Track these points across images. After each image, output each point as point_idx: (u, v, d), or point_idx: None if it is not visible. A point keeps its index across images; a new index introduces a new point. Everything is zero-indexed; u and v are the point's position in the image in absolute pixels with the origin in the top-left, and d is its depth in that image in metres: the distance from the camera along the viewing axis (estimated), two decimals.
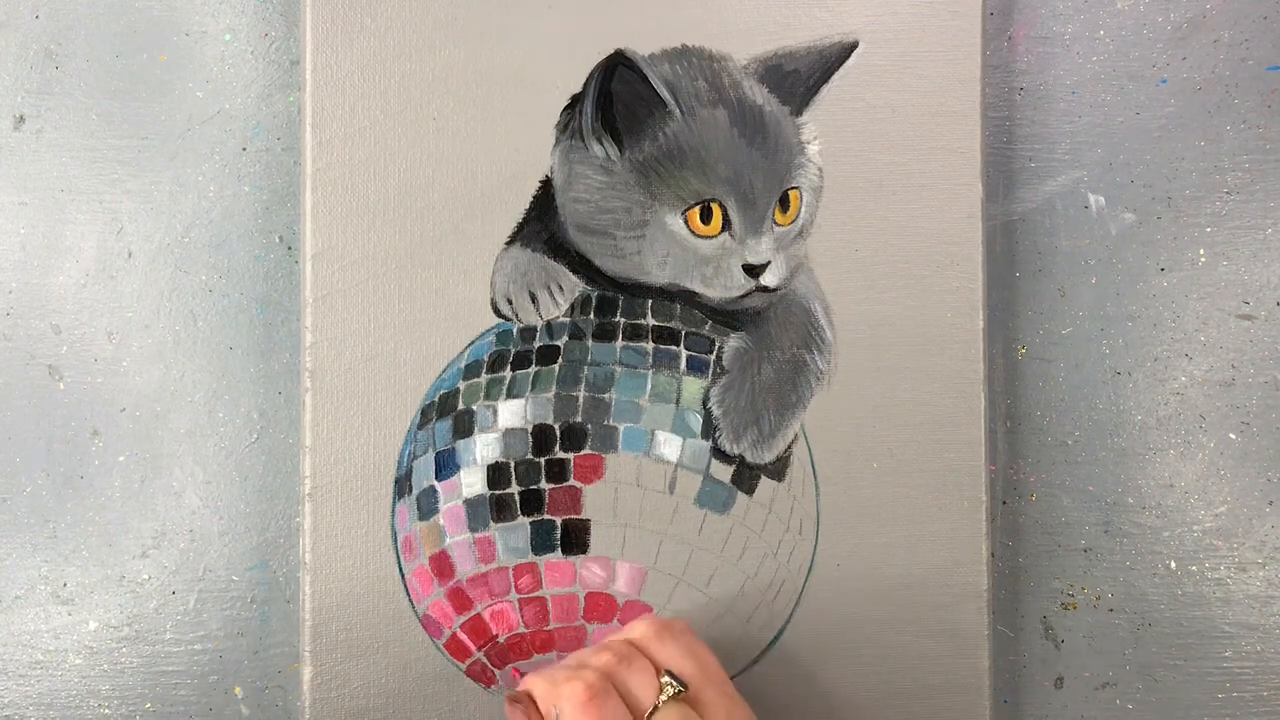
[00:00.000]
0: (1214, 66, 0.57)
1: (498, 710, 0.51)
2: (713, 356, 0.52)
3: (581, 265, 0.52)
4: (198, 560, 0.54)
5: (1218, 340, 0.57)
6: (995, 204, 0.56)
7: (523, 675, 0.49)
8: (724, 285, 0.52)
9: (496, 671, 0.51)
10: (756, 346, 0.53)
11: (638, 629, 0.45)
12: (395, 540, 0.51)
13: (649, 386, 0.52)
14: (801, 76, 0.52)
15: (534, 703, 0.43)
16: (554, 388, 0.51)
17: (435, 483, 0.51)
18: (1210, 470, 0.56)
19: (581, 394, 0.51)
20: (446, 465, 0.51)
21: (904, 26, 0.53)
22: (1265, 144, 0.56)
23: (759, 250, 0.51)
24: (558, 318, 0.52)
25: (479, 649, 0.51)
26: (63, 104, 0.54)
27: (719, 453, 0.52)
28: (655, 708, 0.41)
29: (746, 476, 0.52)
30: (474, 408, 0.51)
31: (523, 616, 0.51)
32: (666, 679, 0.42)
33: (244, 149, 0.55)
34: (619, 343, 0.52)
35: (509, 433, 0.51)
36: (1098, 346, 0.57)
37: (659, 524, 0.51)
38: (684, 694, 0.42)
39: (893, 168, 0.53)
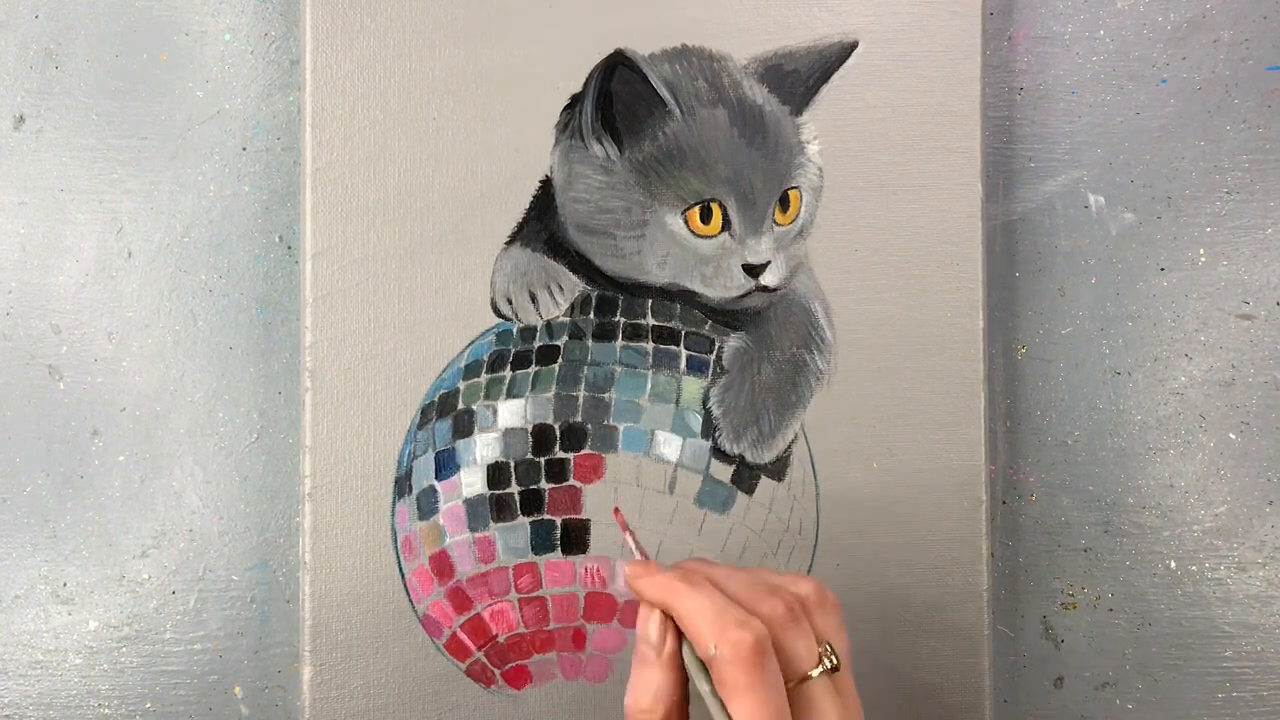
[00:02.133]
0: (1214, 66, 0.57)
1: (498, 710, 0.51)
2: (713, 356, 0.52)
3: (581, 265, 0.52)
4: (198, 560, 0.54)
5: (1218, 340, 0.57)
6: (995, 204, 0.56)
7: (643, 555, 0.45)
8: (724, 285, 0.52)
9: (496, 671, 0.51)
10: (756, 346, 0.52)
11: (804, 587, 0.42)
12: (395, 540, 0.51)
13: (649, 386, 0.52)
14: (801, 76, 0.52)
15: (673, 623, 0.40)
16: (554, 388, 0.51)
17: (435, 482, 0.51)
18: (1210, 470, 0.56)
19: (581, 394, 0.51)
20: (446, 465, 0.51)
21: (904, 26, 0.53)
22: (1265, 144, 0.56)
23: (759, 250, 0.51)
24: (558, 318, 0.52)
25: (479, 649, 0.51)
26: (63, 104, 0.54)
27: (719, 453, 0.52)
28: (808, 676, 0.39)
29: (746, 476, 0.52)
30: (474, 407, 0.51)
31: (522, 616, 0.51)
32: (827, 651, 0.40)
33: (244, 149, 0.55)
34: (619, 343, 0.52)
35: (509, 432, 0.51)
36: (1098, 346, 0.57)
37: (659, 524, 0.51)
38: (837, 671, 0.40)
39: (893, 168, 0.53)
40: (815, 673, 0.39)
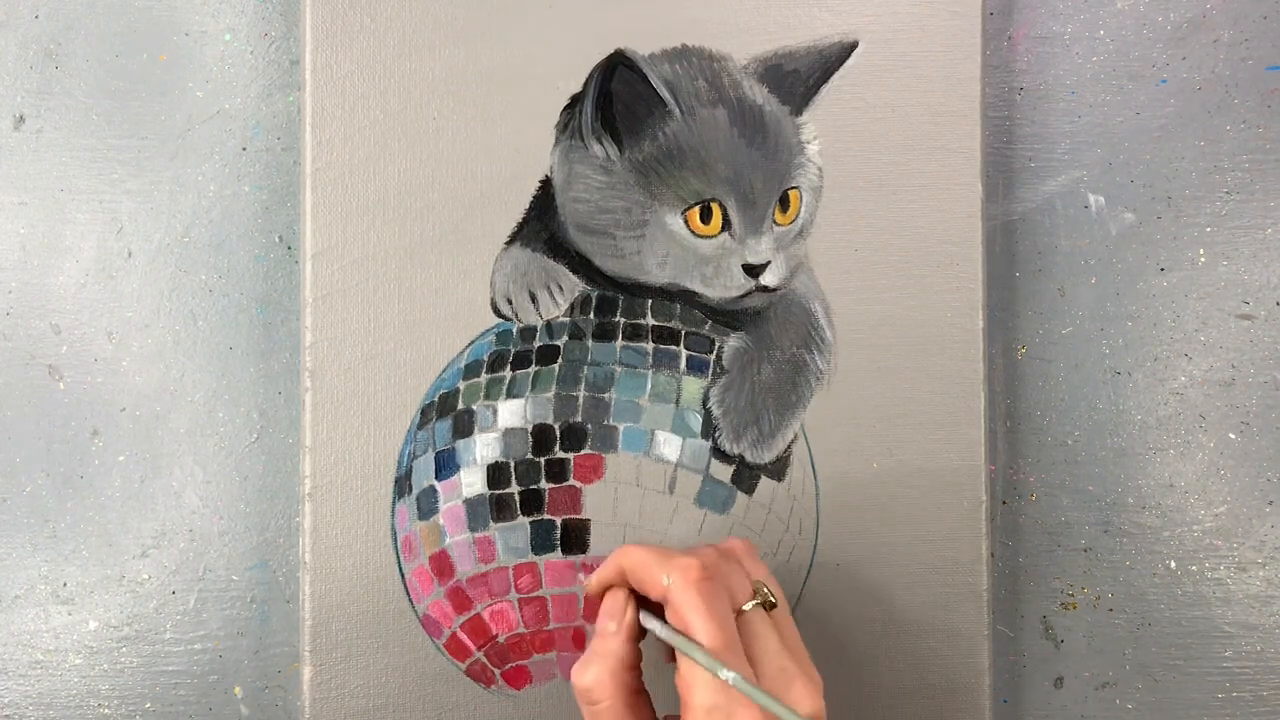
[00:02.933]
0: (1214, 66, 0.57)
1: (498, 710, 0.51)
2: (713, 356, 0.52)
3: (581, 265, 0.52)
4: (198, 560, 0.54)
5: (1218, 340, 0.57)
6: (995, 204, 0.56)
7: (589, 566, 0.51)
8: (724, 285, 0.52)
9: (496, 671, 0.51)
10: (756, 346, 0.53)
11: (732, 543, 0.45)
12: (395, 540, 0.51)
13: (649, 386, 0.52)
14: (801, 76, 0.52)
15: (633, 597, 0.43)
16: (554, 387, 0.51)
17: (435, 482, 0.51)
18: (1210, 470, 0.56)
19: (581, 394, 0.51)
20: (446, 465, 0.51)
21: (904, 26, 0.53)
22: (1265, 144, 0.56)
23: (759, 250, 0.51)
24: (558, 317, 0.52)
25: (479, 649, 0.51)
26: (63, 104, 0.54)
27: (719, 453, 0.52)
28: (742, 610, 0.41)
29: (746, 476, 0.52)
30: (474, 407, 0.51)
31: (522, 616, 0.51)
32: (762, 586, 0.42)
33: (244, 149, 0.55)
34: (619, 343, 0.52)
35: (509, 432, 0.51)
36: (1098, 346, 0.57)
37: (659, 524, 0.51)
38: (773, 608, 0.42)
39: (893, 168, 0.53)
40: (748, 605, 0.41)
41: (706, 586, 0.40)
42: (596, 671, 0.41)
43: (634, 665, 0.42)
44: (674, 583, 0.40)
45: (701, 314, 0.53)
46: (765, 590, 0.42)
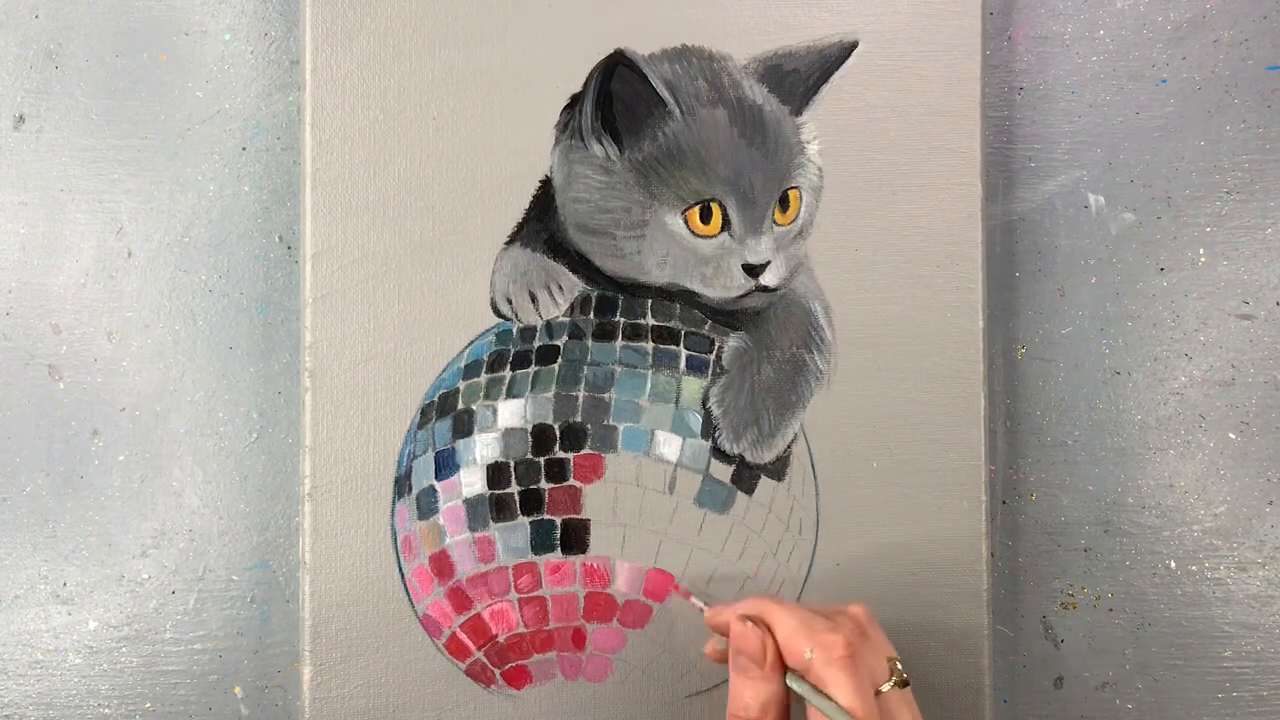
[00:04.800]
0: (1214, 66, 0.57)
1: (498, 710, 0.51)
2: (712, 356, 0.52)
3: (581, 265, 0.52)
4: (198, 560, 0.54)
5: (1218, 340, 0.57)
6: (995, 204, 0.56)
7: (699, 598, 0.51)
8: (724, 285, 0.52)
9: (496, 671, 0.51)
10: (756, 346, 0.52)
11: (855, 609, 0.45)
12: (395, 540, 0.51)
13: (649, 386, 0.52)
14: (801, 76, 0.52)
15: (770, 632, 0.43)
16: (554, 387, 0.51)
17: (435, 482, 0.51)
18: (1210, 470, 0.56)
19: (581, 394, 0.51)
20: (446, 465, 0.51)
21: (904, 26, 0.53)
22: (1265, 144, 0.56)
23: (759, 250, 0.51)
24: (557, 317, 0.52)
25: (479, 649, 0.51)
26: (63, 104, 0.54)
27: (719, 452, 0.52)
28: (879, 691, 0.42)
29: (746, 476, 0.52)
30: (474, 407, 0.51)
31: (522, 616, 0.51)
32: (896, 664, 0.43)
33: (244, 149, 0.55)
34: (619, 343, 0.52)
35: (509, 432, 0.51)
36: (1097, 346, 0.57)
37: (659, 524, 0.51)
38: (906, 685, 0.42)
39: (893, 168, 0.53)
40: (886, 686, 0.42)
41: (849, 665, 0.40)
42: (762, 695, 0.42)
43: (785, 702, 0.42)
44: (817, 659, 0.41)
45: (701, 314, 0.53)
46: (899, 669, 0.42)
